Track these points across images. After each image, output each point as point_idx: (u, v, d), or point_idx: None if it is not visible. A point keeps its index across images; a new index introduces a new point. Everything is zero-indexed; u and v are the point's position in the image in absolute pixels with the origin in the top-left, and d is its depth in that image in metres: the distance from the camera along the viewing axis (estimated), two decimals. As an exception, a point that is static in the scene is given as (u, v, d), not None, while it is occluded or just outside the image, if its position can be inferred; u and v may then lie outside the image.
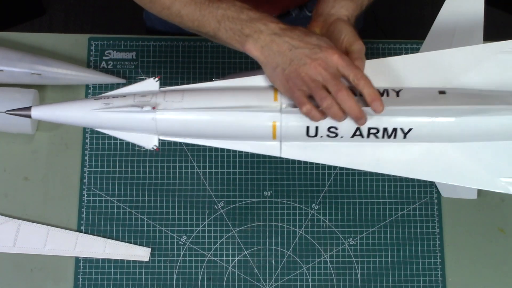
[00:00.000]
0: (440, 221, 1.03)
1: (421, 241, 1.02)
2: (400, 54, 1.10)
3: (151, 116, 0.74)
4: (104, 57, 1.08)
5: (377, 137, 0.75)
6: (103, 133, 0.80)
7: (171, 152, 1.04)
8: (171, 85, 1.07)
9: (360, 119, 0.73)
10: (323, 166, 1.04)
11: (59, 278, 1.00)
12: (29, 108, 0.76)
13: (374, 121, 0.74)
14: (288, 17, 1.17)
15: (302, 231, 1.02)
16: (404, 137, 0.75)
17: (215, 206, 1.03)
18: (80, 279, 0.99)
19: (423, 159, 0.77)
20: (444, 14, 0.89)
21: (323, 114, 0.73)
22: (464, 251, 1.03)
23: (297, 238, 1.02)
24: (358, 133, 0.74)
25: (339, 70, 0.73)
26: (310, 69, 0.73)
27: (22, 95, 0.99)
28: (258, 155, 1.04)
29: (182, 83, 1.06)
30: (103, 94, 0.76)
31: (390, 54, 1.10)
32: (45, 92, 1.06)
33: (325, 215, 1.03)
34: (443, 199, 1.04)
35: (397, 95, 0.75)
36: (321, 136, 0.75)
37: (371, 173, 1.04)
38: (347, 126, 0.74)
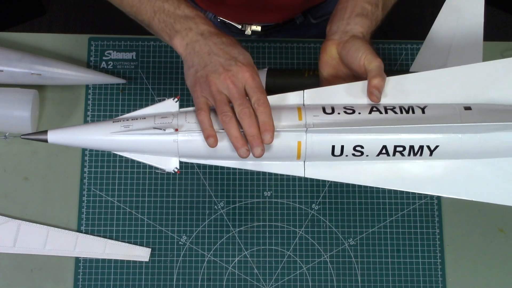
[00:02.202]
0: (440, 221, 1.03)
1: (421, 241, 1.02)
2: (400, 54, 1.10)
3: (173, 138, 0.72)
4: (104, 57, 1.08)
5: (403, 155, 0.74)
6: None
7: (171, 152, 1.04)
8: (170, 84, 1.07)
9: (255, 146, 0.71)
10: (323, 166, 1.04)
11: (59, 278, 1.00)
12: (45, 132, 0.73)
13: (400, 138, 0.73)
14: (293, 24, 1.16)
15: (302, 231, 1.02)
16: (430, 154, 0.74)
17: (215, 206, 1.03)
18: (80, 279, 0.99)
19: (450, 176, 0.76)
20: (444, 14, 0.89)
21: (213, 130, 0.71)
22: (464, 251, 1.03)
23: (297, 238, 1.02)
24: (384, 151, 0.73)
25: (246, 90, 0.73)
26: (220, 80, 0.73)
27: (22, 96, 0.99)
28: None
29: (183, 83, 1.06)
30: (121, 116, 0.75)
31: (390, 54, 1.10)
32: (45, 92, 1.06)
33: (325, 215, 1.03)
34: (443, 199, 1.04)
35: (423, 112, 0.74)
36: (346, 155, 0.74)
37: (371, 173, 1.04)
38: (373, 144, 0.73)
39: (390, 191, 1.03)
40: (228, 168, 1.04)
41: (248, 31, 1.13)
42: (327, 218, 1.03)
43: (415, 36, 1.07)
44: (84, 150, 1.04)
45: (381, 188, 1.02)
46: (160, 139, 0.73)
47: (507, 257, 1.02)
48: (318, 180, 1.04)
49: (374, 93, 0.75)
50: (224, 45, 0.75)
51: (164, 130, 0.72)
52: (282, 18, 1.14)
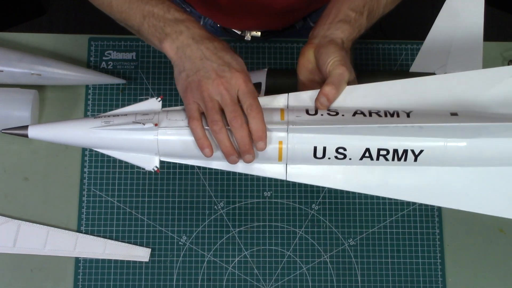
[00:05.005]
0: (440, 221, 1.03)
1: (421, 241, 1.02)
2: (400, 54, 1.10)
3: (152, 134, 0.72)
4: (104, 58, 1.08)
5: (386, 159, 0.72)
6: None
7: (171, 152, 1.04)
8: (170, 85, 1.07)
9: (246, 153, 0.71)
10: (323, 166, 1.04)
11: (59, 278, 1.00)
12: (25, 127, 0.74)
13: (383, 141, 0.71)
14: (292, 29, 1.16)
15: (302, 232, 1.02)
16: (415, 160, 0.72)
17: (215, 207, 1.03)
18: (80, 279, 0.99)
19: (435, 184, 0.74)
20: (444, 14, 0.89)
21: (207, 140, 0.72)
22: (464, 251, 1.03)
23: (297, 238, 1.02)
24: (367, 154, 0.72)
25: (238, 96, 0.72)
26: (212, 86, 0.71)
27: (22, 96, 0.99)
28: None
29: (182, 83, 1.06)
30: (103, 114, 0.75)
31: (390, 55, 1.10)
32: (45, 92, 1.06)
33: (325, 215, 1.03)
34: (443, 199, 1.04)
35: (408, 116, 0.72)
36: (329, 158, 0.72)
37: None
38: (356, 146, 0.72)
39: (390, 191, 1.03)
40: (228, 168, 1.04)
41: (248, 37, 1.12)
42: (327, 218, 1.03)
43: (415, 36, 1.07)
44: (84, 150, 1.04)
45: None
46: (139, 135, 0.72)
47: (507, 257, 1.02)
48: (318, 180, 1.04)
49: (321, 99, 0.73)
50: (216, 50, 0.74)
51: (144, 124, 0.71)
52: (282, 24, 1.13)
